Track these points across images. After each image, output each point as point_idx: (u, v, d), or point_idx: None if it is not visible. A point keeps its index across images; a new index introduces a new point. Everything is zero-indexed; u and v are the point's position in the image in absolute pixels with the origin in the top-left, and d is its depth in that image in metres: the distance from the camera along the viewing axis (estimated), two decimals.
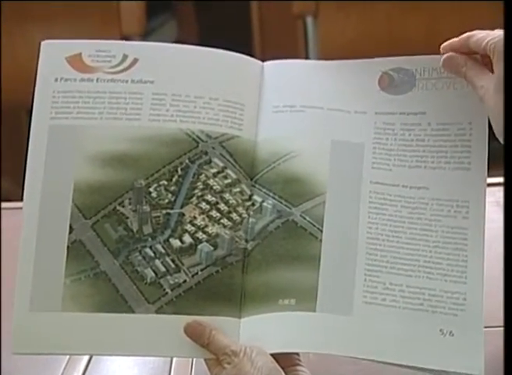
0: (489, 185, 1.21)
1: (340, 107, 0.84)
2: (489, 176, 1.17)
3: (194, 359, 0.94)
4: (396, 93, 0.84)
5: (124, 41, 0.87)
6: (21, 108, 2.16)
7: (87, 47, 0.85)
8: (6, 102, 1.96)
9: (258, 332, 0.78)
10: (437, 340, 0.77)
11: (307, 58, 1.90)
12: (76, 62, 0.84)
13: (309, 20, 1.94)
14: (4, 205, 1.19)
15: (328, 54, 1.87)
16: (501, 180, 1.17)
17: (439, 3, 1.87)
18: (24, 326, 0.80)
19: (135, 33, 1.98)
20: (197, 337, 0.78)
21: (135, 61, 0.84)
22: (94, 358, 0.96)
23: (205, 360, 0.78)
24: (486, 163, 0.82)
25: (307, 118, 0.84)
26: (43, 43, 0.85)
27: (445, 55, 0.81)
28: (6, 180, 2.10)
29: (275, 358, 0.76)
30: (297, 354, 0.80)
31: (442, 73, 0.83)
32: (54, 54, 0.85)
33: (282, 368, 0.76)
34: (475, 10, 1.89)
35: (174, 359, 0.95)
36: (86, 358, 0.96)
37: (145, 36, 2.08)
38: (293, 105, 0.84)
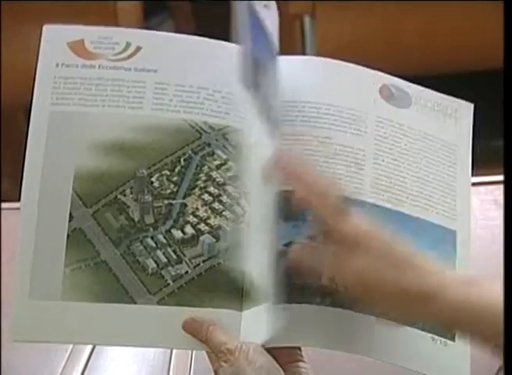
0: (487, 183, 1.21)
1: (342, 104, 0.84)
2: (487, 174, 1.17)
3: (193, 357, 0.94)
4: (394, 105, 0.86)
5: (127, 29, 0.85)
6: (18, 109, 2.16)
7: (89, 33, 0.83)
8: (3, 103, 1.96)
9: (257, 325, 0.77)
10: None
11: None
12: (78, 48, 0.83)
13: (306, 20, 1.94)
14: (4, 205, 1.19)
15: (325, 54, 1.87)
16: (498, 178, 1.18)
17: (435, 4, 1.88)
18: (24, 313, 0.78)
19: None
20: (195, 333, 0.77)
21: (138, 49, 0.83)
22: (93, 355, 0.96)
23: (207, 353, 0.77)
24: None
25: (306, 114, 0.84)
26: (44, 27, 0.83)
27: None
28: (3, 182, 2.10)
29: (276, 353, 0.75)
30: (299, 349, 0.79)
31: (437, 106, 0.88)
32: (55, 39, 0.83)
33: (284, 364, 0.75)
34: (471, 11, 1.90)
35: (173, 357, 0.95)
36: (85, 355, 0.96)
37: None
38: (294, 101, 0.84)
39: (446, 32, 1.92)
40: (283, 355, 0.76)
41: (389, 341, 0.79)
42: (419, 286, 0.69)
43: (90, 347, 0.97)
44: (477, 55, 1.93)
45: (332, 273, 0.74)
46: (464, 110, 0.89)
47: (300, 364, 0.78)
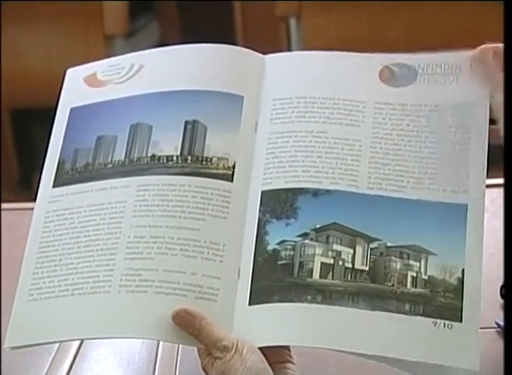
0: None
1: (338, 96, 0.85)
2: None
3: (179, 359, 0.94)
4: (396, 85, 0.85)
5: (133, 53, 0.92)
6: (3, 108, 2.15)
7: (100, 65, 0.91)
8: None
9: (250, 323, 0.77)
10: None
11: None
12: (91, 80, 0.90)
13: (292, 22, 1.94)
14: (4, 205, 1.18)
15: None
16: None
17: (419, 5, 1.88)
18: (22, 317, 0.80)
19: (118, 33, 1.98)
20: (186, 326, 0.76)
21: (140, 68, 0.89)
22: (77, 358, 0.96)
23: (197, 348, 0.76)
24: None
25: (302, 109, 0.85)
26: (68, 71, 0.93)
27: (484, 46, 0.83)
28: None
29: (266, 353, 0.75)
30: (288, 349, 0.79)
31: (447, 69, 0.84)
32: (74, 78, 0.92)
33: (272, 363, 0.75)
34: (456, 12, 1.90)
35: (158, 360, 0.95)
36: (70, 358, 0.96)
37: (128, 37, 2.08)
38: (290, 97, 0.85)
39: (428, 34, 1.93)
40: (273, 355, 0.76)
41: (385, 335, 0.77)
42: None
43: (74, 349, 0.97)
44: None
45: None
46: None
47: (289, 365, 0.78)
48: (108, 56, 1.66)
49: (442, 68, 0.85)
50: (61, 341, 0.94)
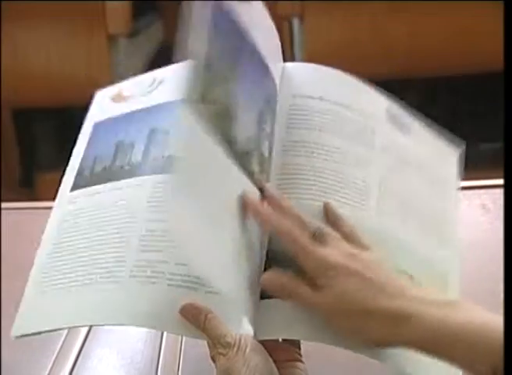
0: (474, 188, 1.21)
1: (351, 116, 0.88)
2: (475, 178, 1.17)
3: (181, 359, 0.94)
4: (397, 128, 0.90)
5: (156, 70, 0.95)
6: (4, 107, 2.15)
7: (125, 83, 0.96)
8: None
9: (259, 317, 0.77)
10: None
11: (292, 59, 1.91)
12: (116, 97, 0.94)
13: (295, 22, 1.94)
14: (4, 205, 1.18)
15: (313, 55, 1.87)
16: (486, 182, 1.18)
17: (421, 5, 1.88)
18: (29, 307, 0.80)
19: (121, 33, 1.98)
20: (192, 319, 0.75)
21: (161, 82, 0.93)
22: (80, 356, 0.96)
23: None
24: None
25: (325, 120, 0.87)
26: (96, 93, 0.98)
27: None
28: None
29: (273, 351, 0.74)
30: (298, 348, 0.78)
31: (431, 141, 0.92)
32: (102, 98, 0.95)
33: (280, 361, 0.74)
34: (457, 13, 1.90)
35: (161, 359, 0.95)
36: (73, 356, 0.96)
37: (131, 36, 2.07)
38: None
39: (430, 34, 1.93)
40: (281, 353, 0.76)
41: None
42: (393, 305, 0.69)
43: (77, 348, 0.97)
44: (466, 58, 1.94)
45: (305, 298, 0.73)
46: (453, 153, 0.93)
47: (297, 364, 0.77)
48: (111, 56, 1.66)
49: (426, 138, 0.92)
50: (67, 328, 0.93)
